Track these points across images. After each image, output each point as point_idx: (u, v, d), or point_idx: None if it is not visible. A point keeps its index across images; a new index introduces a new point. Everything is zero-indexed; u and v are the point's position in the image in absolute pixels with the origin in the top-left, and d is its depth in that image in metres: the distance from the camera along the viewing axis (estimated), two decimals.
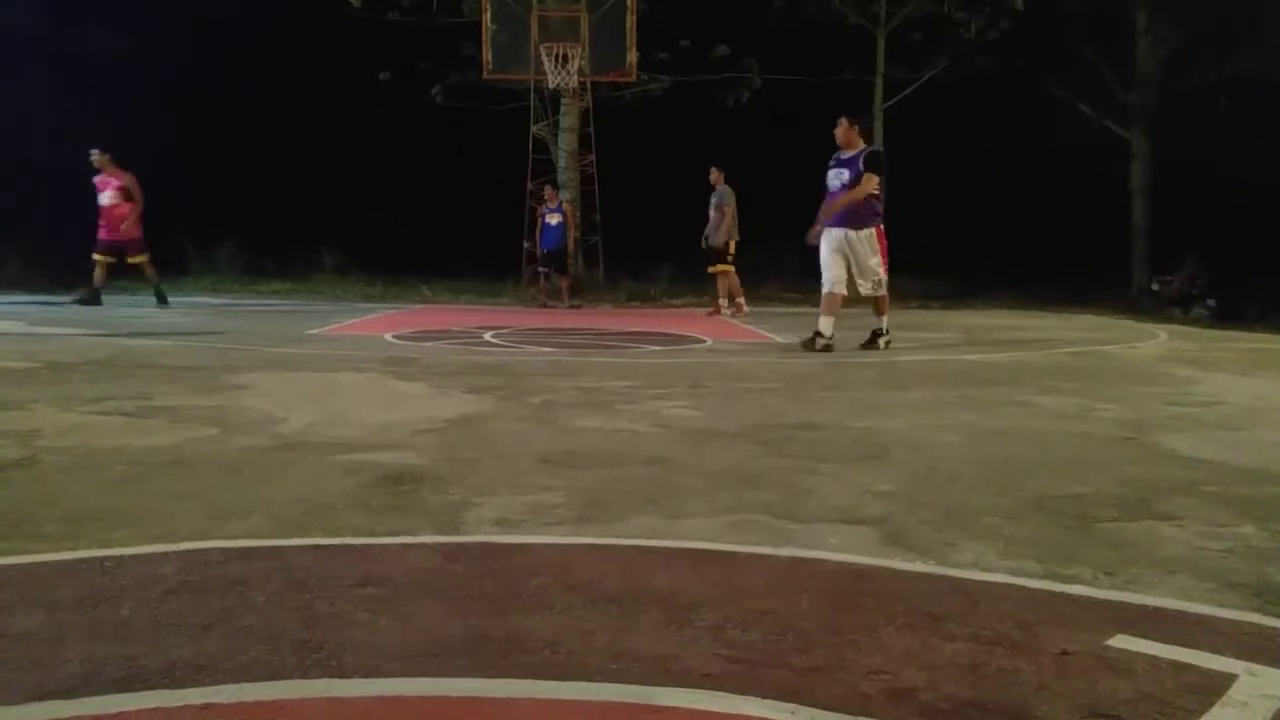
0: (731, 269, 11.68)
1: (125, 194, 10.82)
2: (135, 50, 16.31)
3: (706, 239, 11.74)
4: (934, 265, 16.53)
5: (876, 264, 7.21)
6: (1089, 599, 1.84)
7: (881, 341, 7.31)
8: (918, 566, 2.02)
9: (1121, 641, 1.61)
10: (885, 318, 7.45)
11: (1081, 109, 16.65)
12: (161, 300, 11.12)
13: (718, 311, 11.63)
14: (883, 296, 7.37)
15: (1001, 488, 2.73)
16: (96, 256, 10.89)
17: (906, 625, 1.67)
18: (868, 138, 7.20)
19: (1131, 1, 16.26)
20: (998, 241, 17.72)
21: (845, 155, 7.20)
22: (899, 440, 3.44)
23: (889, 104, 16.75)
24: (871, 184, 7.06)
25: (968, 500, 2.58)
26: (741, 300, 11.82)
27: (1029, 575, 1.97)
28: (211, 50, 17.35)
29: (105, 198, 10.80)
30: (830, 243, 7.14)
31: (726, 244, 11.51)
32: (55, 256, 14.08)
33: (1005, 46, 15.96)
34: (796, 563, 2.04)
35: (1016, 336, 9.03)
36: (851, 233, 7.10)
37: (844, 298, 7.22)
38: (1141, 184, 16.83)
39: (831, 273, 7.16)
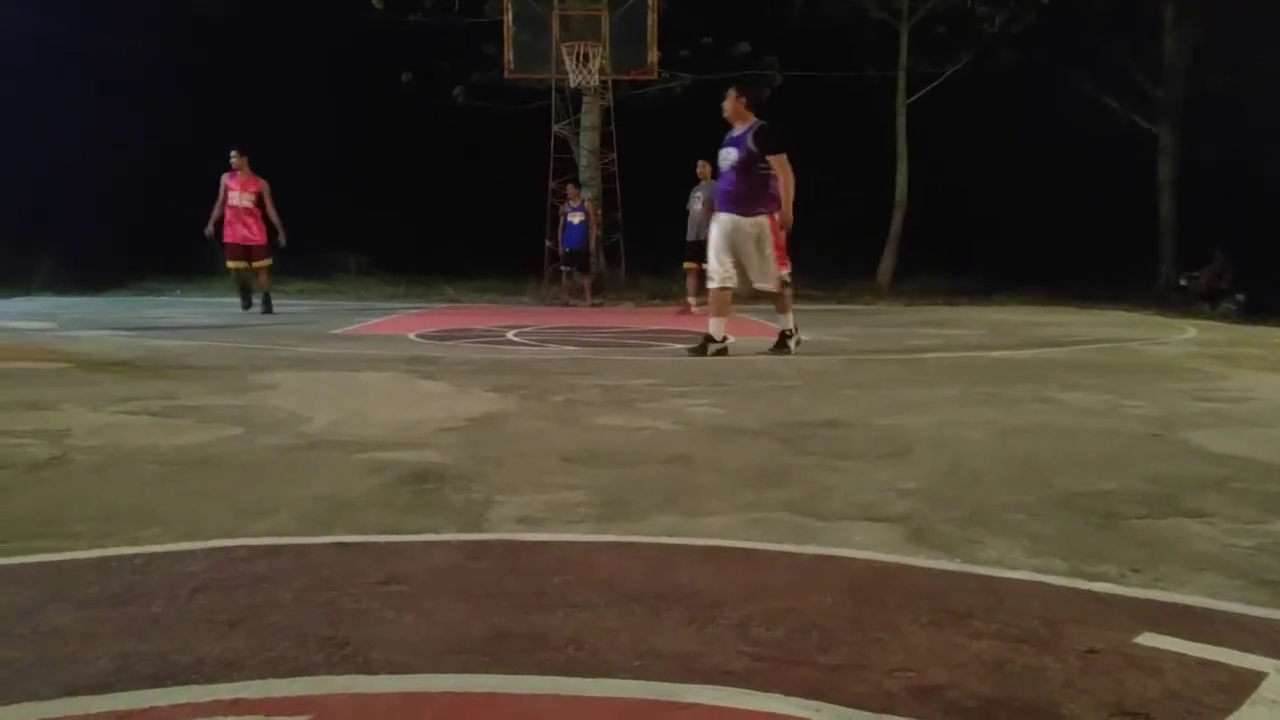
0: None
1: (259, 199, 10.61)
2: (161, 55, 16.49)
3: (696, 234, 11.02)
4: (960, 261, 16.44)
5: (770, 257, 6.38)
6: (1116, 597, 1.82)
7: (791, 343, 6.59)
8: (942, 564, 2.01)
9: (1149, 639, 1.60)
10: (790, 316, 6.67)
11: (1107, 103, 16.48)
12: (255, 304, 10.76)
13: (688, 310, 11.26)
14: (784, 293, 6.61)
15: (1027, 485, 2.71)
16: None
17: (931, 623, 1.67)
18: (759, 110, 6.42)
19: None
20: (1023, 237, 17.60)
21: (735, 132, 6.39)
22: (923, 437, 3.43)
23: (912, 99, 16.65)
24: (786, 167, 6.28)
25: (993, 497, 2.57)
26: (692, 302, 11.35)
27: (1055, 573, 1.95)
28: (236, 54, 17.49)
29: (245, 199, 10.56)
30: (718, 230, 6.37)
31: None
32: (85, 258, 14.28)
33: (1029, 41, 15.82)
34: (820, 560, 2.04)
35: (1042, 333, 8.96)
36: (740, 219, 6.29)
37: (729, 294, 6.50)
38: (1169, 178, 16.65)
39: (719, 266, 6.37)
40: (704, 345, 6.31)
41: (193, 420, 3.60)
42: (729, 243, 6.31)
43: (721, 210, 6.40)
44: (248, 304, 10.70)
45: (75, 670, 1.43)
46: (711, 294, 6.46)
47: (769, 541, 2.16)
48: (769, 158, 6.23)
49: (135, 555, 1.98)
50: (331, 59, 17.87)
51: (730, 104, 6.39)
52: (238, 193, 10.56)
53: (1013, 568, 1.98)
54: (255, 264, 10.67)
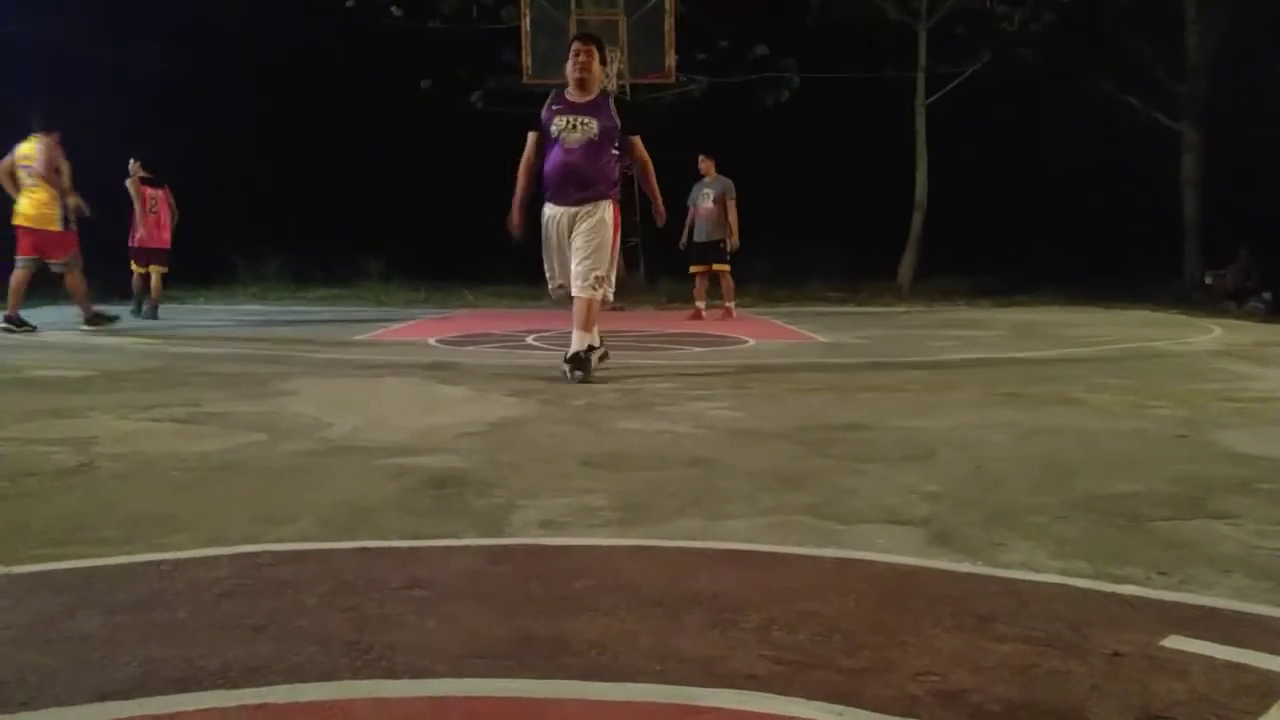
0: (727, 269, 10.90)
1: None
2: (185, 66, 16.67)
3: (692, 234, 10.85)
4: (980, 262, 16.34)
5: (602, 249, 5.18)
6: (1142, 599, 1.81)
7: (594, 357, 5.22)
8: (966, 567, 2.00)
9: (1175, 642, 1.58)
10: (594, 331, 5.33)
11: (1129, 101, 16.34)
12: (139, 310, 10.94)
13: (697, 315, 10.79)
14: (586, 300, 5.18)
15: (1051, 487, 2.69)
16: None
17: (955, 626, 1.66)
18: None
19: None
20: (1045, 237, 17.49)
21: (581, 99, 5.23)
22: (945, 440, 3.41)
23: (931, 100, 16.58)
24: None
25: (1016, 500, 2.55)
26: (702, 305, 11.01)
27: (1080, 575, 1.94)
28: (257, 63, 17.66)
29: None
30: (553, 226, 5.28)
31: (727, 241, 10.67)
32: (111, 267, 14.42)
33: (1049, 39, 15.71)
34: (842, 564, 2.03)
35: (1065, 333, 8.89)
36: (586, 209, 5.18)
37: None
38: (1192, 176, 16.49)
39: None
40: (582, 362, 5.07)
41: (216, 427, 3.63)
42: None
43: (565, 203, 5.25)
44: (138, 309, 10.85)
45: (103, 676, 1.44)
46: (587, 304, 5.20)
47: (790, 545, 2.15)
48: (629, 135, 5.31)
49: (161, 561, 2.00)
50: (352, 67, 18.02)
51: (595, 63, 5.27)
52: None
53: (1037, 570, 1.97)
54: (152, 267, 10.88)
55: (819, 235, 16.32)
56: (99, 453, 3.11)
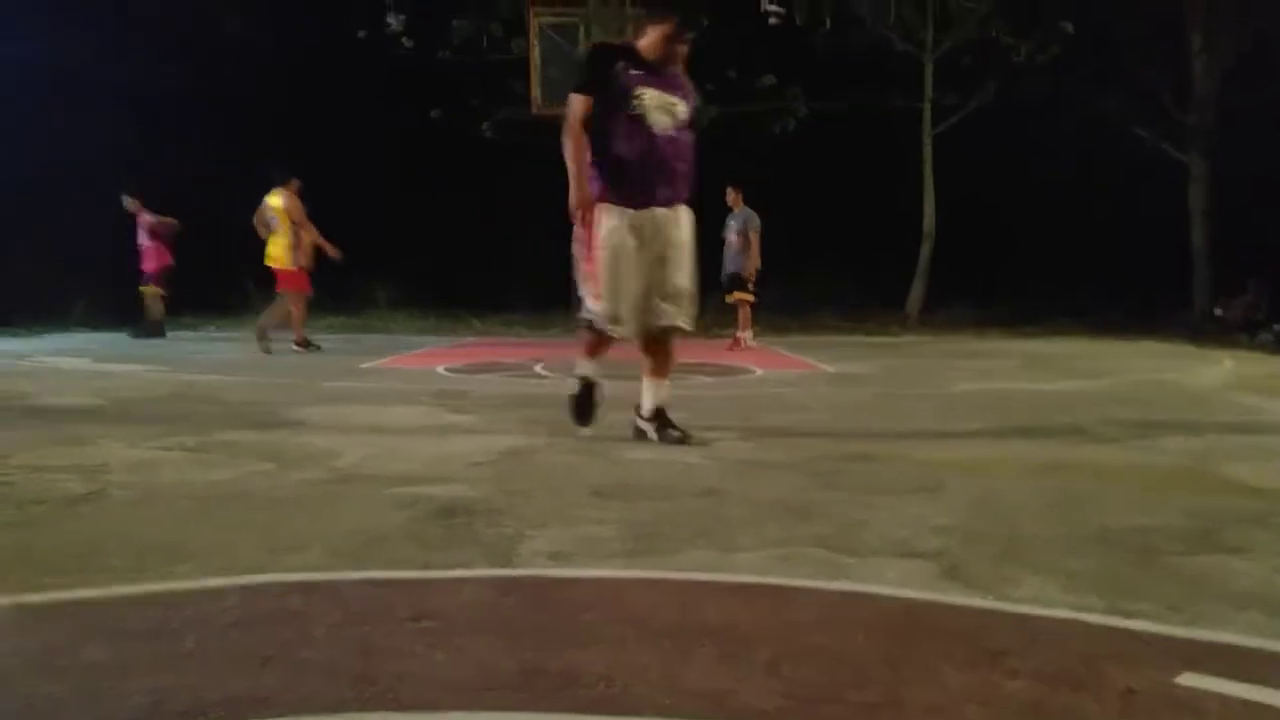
0: (751, 298, 10.96)
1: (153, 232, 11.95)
2: (198, 93, 16.85)
3: (724, 267, 10.84)
4: (990, 293, 16.34)
5: (583, 265, 4.15)
6: (1155, 635, 1.79)
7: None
8: (976, 601, 1.99)
9: (1190, 679, 1.57)
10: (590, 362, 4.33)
11: (1136, 131, 16.39)
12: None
13: (738, 344, 10.84)
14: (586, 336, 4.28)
15: (1062, 521, 2.68)
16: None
17: (966, 662, 1.64)
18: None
19: (1185, 22, 16.03)
20: (1055, 268, 17.48)
21: (669, 71, 4.08)
22: (955, 472, 3.39)
23: (939, 130, 16.65)
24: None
25: (1027, 533, 2.53)
26: (746, 334, 11.04)
27: (1092, 610, 1.92)
28: (269, 90, 17.84)
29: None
30: (629, 236, 4.01)
31: (750, 272, 10.73)
32: (121, 294, 14.52)
33: (1056, 70, 15.79)
34: (851, 597, 2.02)
35: (1074, 364, 8.86)
36: (672, 214, 4.09)
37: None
38: (1201, 206, 16.49)
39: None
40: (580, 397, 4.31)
41: (225, 456, 3.64)
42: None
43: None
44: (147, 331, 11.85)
45: (111, 705, 1.44)
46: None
47: (800, 578, 2.14)
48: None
49: (169, 591, 2.00)
50: (364, 96, 18.19)
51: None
52: (140, 230, 11.94)
53: (1048, 605, 1.95)
54: (142, 288, 11.94)
55: (826, 265, 16.34)
56: (108, 481, 3.12)
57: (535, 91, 15.40)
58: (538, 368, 8.07)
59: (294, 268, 9.86)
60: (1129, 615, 1.89)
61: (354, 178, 18.89)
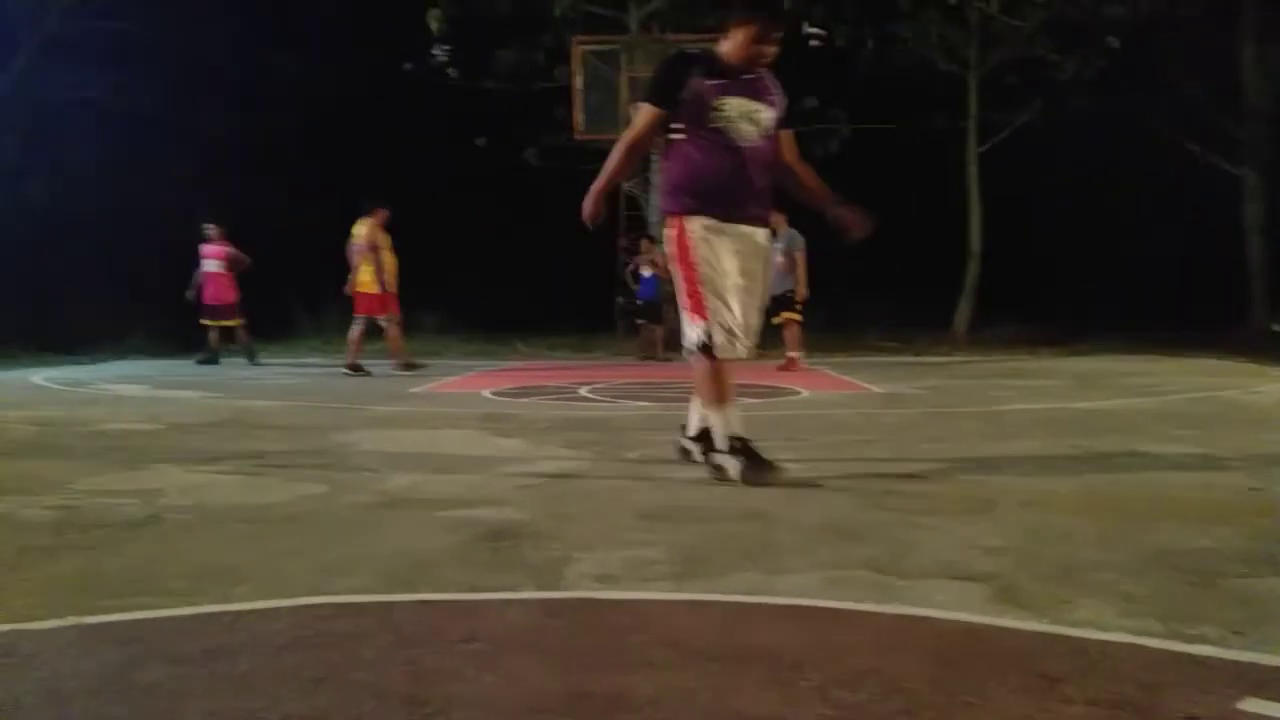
0: (800, 319, 10.84)
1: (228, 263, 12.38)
2: (250, 127, 17.29)
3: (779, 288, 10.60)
4: (1040, 311, 16.10)
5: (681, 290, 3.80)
6: (1216, 660, 1.75)
7: (723, 460, 3.73)
8: (1031, 625, 1.95)
9: (1253, 705, 1.52)
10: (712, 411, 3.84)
11: (1188, 146, 16.10)
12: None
13: (793, 364, 10.70)
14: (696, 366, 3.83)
15: (1118, 542, 2.62)
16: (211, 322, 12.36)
17: (1021, 687, 1.61)
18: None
19: (1238, 36, 15.77)
20: (1106, 285, 17.20)
21: (751, 76, 3.75)
22: (1007, 493, 3.34)
23: (984, 148, 16.51)
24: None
25: (1082, 555, 2.48)
26: (798, 355, 10.93)
27: (1150, 635, 1.88)
28: (318, 123, 18.24)
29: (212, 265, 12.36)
30: (730, 247, 3.79)
31: (801, 295, 10.63)
32: (177, 322, 14.89)
33: (1103, 85, 15.59)
34: (902, 620, 1.99)
35: (1129, 382, 8.69)
36: (760, 232, 3.86)
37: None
38: (1257, 222, 16.14)
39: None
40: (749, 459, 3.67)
41: (278, 479, 3.70)
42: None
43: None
44: (209, 360, 12.17)
45: None
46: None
47: (849, 600, 2.12)
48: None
49: (224, 613, 2.04)
50: (410, 125, 18.52)
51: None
52: (207, 259, 12.33)
53: (1105, 629, 1.91)
54: (220, 322, 12.33)
55: (872, 285, 16.23)
56: (165, 505, 3.19)
57: (578, 117, 15.57)
58: (583, 390, 8.10)
59: (374, 291, 10.33)
60: (1189, 639, 1.85)
61: (400, 205, 19.21)
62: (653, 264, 13.89)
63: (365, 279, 10.40)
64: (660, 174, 3.83)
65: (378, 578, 2.31)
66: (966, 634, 1.91)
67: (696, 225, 3.72)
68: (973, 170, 16.59)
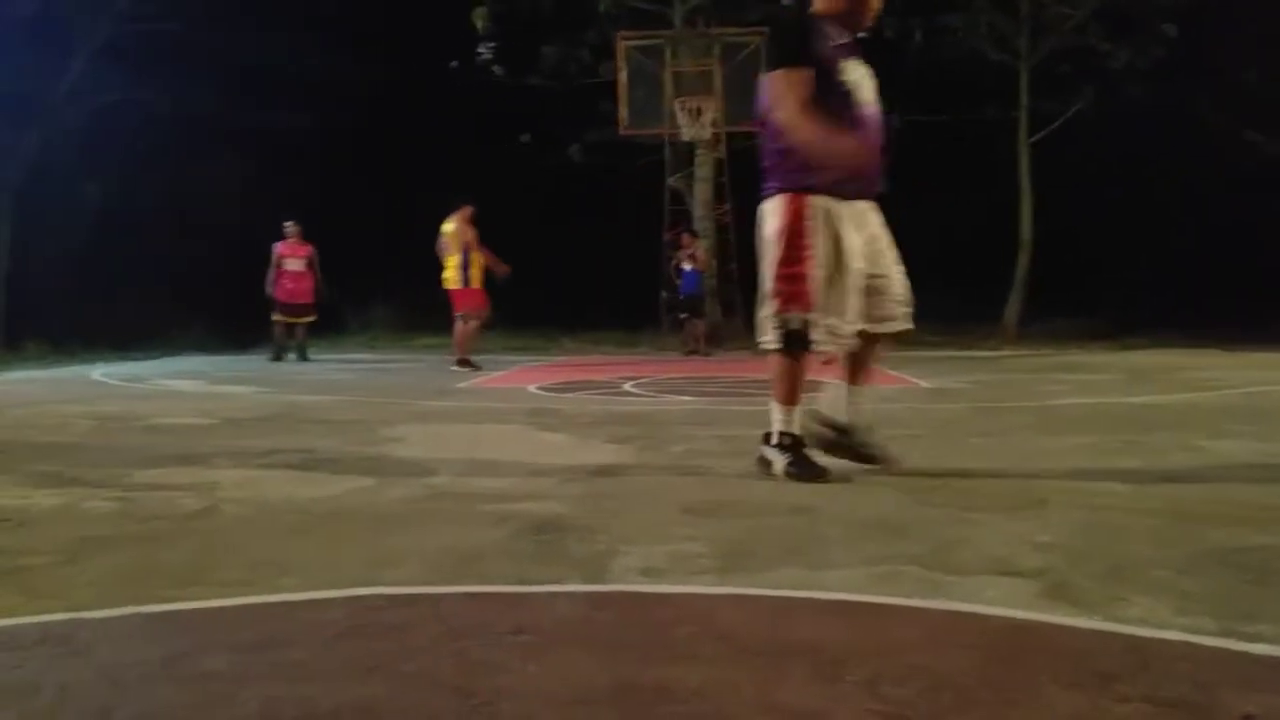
0: None
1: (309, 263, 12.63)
2: (305, 125, 17.58)
3: None
4: (1092, 304, 15.82)
5: (767, 268, 3.50)
6: (1273, 659, 1.71)
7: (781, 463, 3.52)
8: (1082, 622, 1.92)
9: None
10: (778, 405, 3.57)
11: (1248, 135, 15.68)
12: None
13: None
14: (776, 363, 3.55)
15: (1173, 539, 2.57)
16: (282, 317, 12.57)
17: (1073, 684, 1.59)
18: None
19: None
20: (1161, 277, 16.83)
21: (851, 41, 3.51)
22: (1058, 488, 3.29)
23: (1036, 138, 16.23)
24: (784, 90, 3.35)
25: (1136, 552, 2.44)
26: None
27: (1206, 633, 1.84)
28: (365, 122, 18.46)
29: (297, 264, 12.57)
30: (850, 226, 3.50)
31: None
32: (232, 319, 15.22)
33: (1158, 74, 15.24)
34: (951, 616, 1.98)
35: (1184, 376, 8.50)
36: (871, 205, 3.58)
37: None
38: None
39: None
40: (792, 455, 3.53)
41: (328, 473, 3.76)
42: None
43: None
44: (279, 357, 12.31)
45: (228, 713, 1.50)
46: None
47: (896, 596, 2.11)
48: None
49: (278, 603, 2.08)
50: (456, 123, 18.68)
51: None
52: (290, 258, 12.55)
53: (1160, 627, 1.88)
54: (301, 319, 12.54)
55: (920, 278, 15.98)
56: (221, 497, 3.26)
57: (622, 113, 15.59)
58: (627, 385, 8.12)
59: (465, 286, 10.54)
60: (1247, 638, 1.81)
61: (448, 202, 19.40)
62: (693, 259, 13.89)
63: (450, 275, 10.59)
64: (767, 147, 3.49)
65: (426, 570, 2.34)
66: (1016, 630, 1.89)
67: (815, 205, 3.38)
68: (1024, 161, 16.32)
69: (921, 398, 6.98)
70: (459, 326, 10.61)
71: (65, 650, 1.80)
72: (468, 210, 10.63)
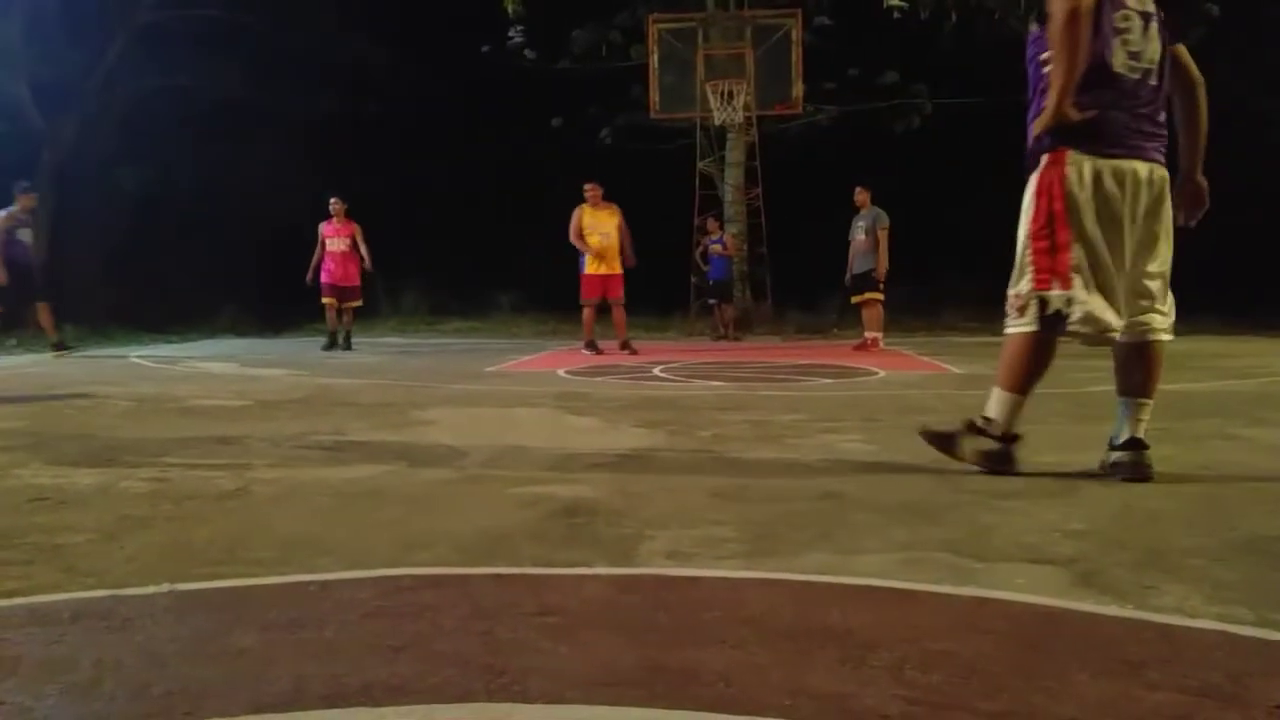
0: (881, 298, 10.80)
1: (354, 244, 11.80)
2: (340, 112, 17.69)
3: (851, 267, 10.88)
4: None
5: (1024, 248, 3.34)
6: None
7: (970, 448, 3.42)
8: (1114, 610, 1.90)
9: None
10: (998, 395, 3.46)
11: None
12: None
13: (874, 344, 10.69)
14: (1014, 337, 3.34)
15: (1207, 527, 2.54)
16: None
17: (1103, 672, 1.58)
18: None
19: None
20: (1198, 262, 16.53)
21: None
22: (1091, 476, 3.26)
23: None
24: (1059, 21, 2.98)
25: (1169, 540, 2.41)
26: (879, 335, 10.90)
27: (1239, 622, 1.82)
28: (398, 106, 18.53)
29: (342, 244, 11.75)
30: (1115, 191, 3.11)
31: (881, 272, 10.61)
32: (265, 303, 15.38)
33: (1200, 54, 14.92)
34: (980, 603, 1.96)
35: (1222, 363, 8.36)
36: (1153, 173, 3.17)
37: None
38: None
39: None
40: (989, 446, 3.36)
41: (359, 455, 3.80)
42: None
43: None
44: (333, 344, 11.55)
45: (259, 690, 1.53)
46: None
47: (925, 582, 2.10)
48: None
49: (310, 582, 2.11)
50: (487, 108, 18.71)
51: None
52: (334, 239, 11.68)
53: (1192, 616, 1.86)
54: (347, 304, 11.75)
55: (952, 264, 15.91)
56: (254, 478, 3.30)
57: (654, 96, 15.51)
58: (656, 370, 8.12)
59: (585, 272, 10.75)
60: None
61: (478, 186, 19.46)
62: (721, 245, 13.85)
63: (612, 262, 10.72)
64: (1035, 104, 3.23)
65: (455, 551, 2.36)
66: (1047, 618, 1.87)
67: (1084, 169, 3.04)
68: None
69: (952, 384, 6.92)
70: (616, 312, 10.76)
71: (103, 626, 1.83)
72: (596, 189, 11.15)
